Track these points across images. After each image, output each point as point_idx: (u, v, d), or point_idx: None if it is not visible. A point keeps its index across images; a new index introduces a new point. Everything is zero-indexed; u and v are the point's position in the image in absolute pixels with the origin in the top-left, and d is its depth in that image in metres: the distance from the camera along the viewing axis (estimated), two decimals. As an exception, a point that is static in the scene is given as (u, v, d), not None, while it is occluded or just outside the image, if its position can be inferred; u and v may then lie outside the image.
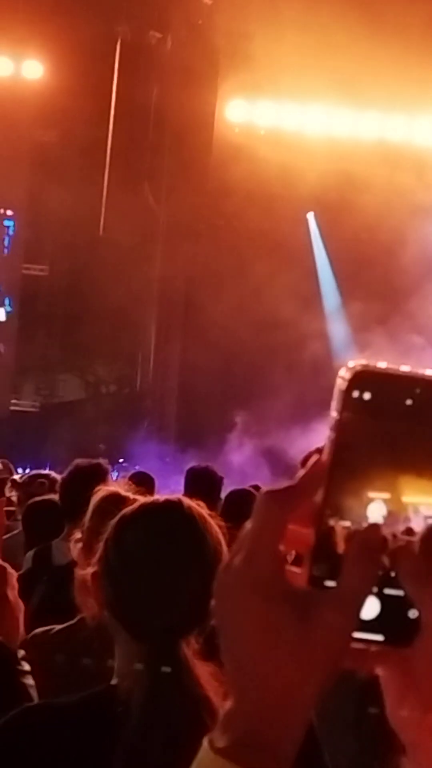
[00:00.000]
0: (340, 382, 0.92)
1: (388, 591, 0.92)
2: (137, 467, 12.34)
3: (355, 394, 0.92)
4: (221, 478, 6.76)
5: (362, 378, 0.93)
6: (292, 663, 0.88)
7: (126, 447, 17.25)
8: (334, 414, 0.92)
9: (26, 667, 2.62)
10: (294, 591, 0.89)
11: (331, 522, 0.91)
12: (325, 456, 0.92)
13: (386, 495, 0.92)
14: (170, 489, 7.12)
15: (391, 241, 16.45)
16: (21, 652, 2.67)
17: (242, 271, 16.95)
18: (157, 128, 18.63)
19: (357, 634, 0.90)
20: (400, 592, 0.91)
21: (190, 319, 18.31)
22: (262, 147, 17.13)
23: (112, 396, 20.67)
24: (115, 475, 13.09)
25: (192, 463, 7.68)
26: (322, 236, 18.61)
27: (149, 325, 20.03)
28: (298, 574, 0.90)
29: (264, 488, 0.95)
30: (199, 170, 18.01)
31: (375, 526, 0.90)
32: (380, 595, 0.92)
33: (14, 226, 19.85)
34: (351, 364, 0.93)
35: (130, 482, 3.51)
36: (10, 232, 19.85)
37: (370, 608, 0.91)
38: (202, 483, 6.26)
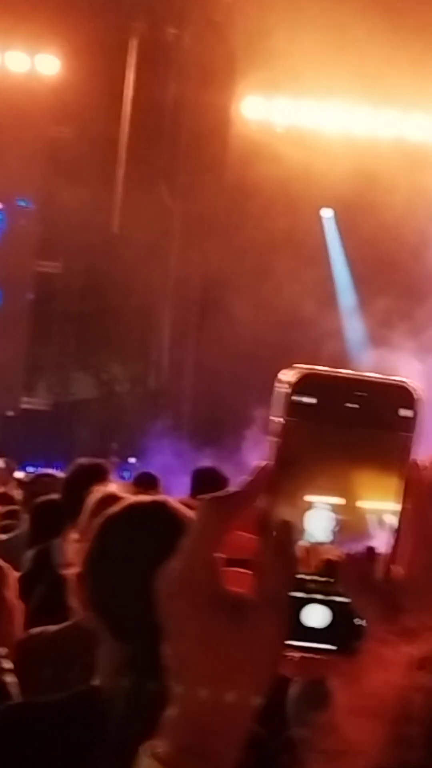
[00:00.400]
0: (283, 387, 0.93)
1: (337, 599, 0.92)
2: (149, 466, 12.24)
3: (299, 398, 0.93)
4: (226, 479, 6.72)
5: (306, 382, 0.93)
6: (227, 668, 0.89)
7: (139, 445, 17.18)
8: (277, 419, 0.93)
9: (7, 665, 2.63)
10: (230, 597, 0.89)
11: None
12: (269, 461, 0.92)
13: (332, 500, 0.93)
14: (183, 488, 7.12)
15: (411, 240, 16.34)
16: (3, 650, 2.68)
17: (259, 270, 16.89)
18: (173, 125, 18.56)
19: (307, 644, 0.92)
20: (347, 600, 0.92)
21: (206, 317, 18.23)
22: (279, 145, 17.04)
23: (126, 395, 20.59)
24: (126, 475, 13.06)
25: (207, 462, 7.69)
26: (340, 235, 18.52)
27: (164, 324, 19.97)
28: (245, 575, 0.91)
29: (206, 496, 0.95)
30: (216, 168, 17.92)
31: (286, 524, 0.91)
32: (330, 603, 0.92)
33: (4, 218, 19.83)
34: (293, 368, 0.94)
35: (133, 483, 3.52)
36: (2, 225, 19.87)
37: (322, 617, 0.92)
38: (208, 483, 6.27)
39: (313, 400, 0.93)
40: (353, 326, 18.19)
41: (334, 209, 18.04)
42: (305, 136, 17.70)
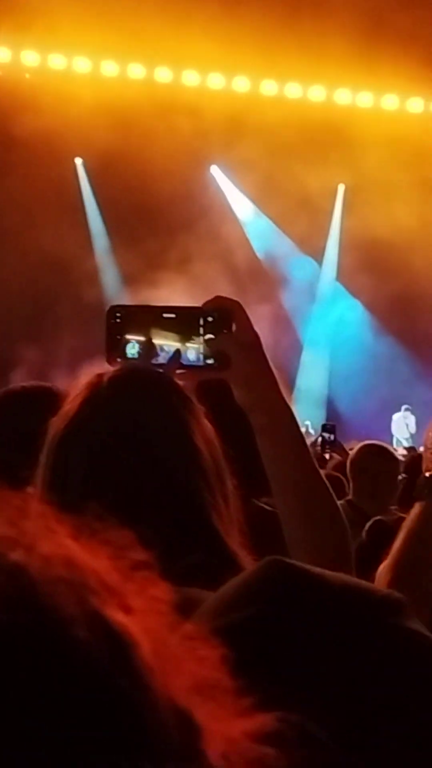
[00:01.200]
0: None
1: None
2: None
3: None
4: None
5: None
6: None
7: None
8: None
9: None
10: None
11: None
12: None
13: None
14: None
15: (163, 186, 16.86)
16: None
17: (21, 219, 16.96)
18: None
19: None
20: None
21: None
22: (32, 94, 17.04)
23: None
24: None
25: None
26: (95, 182, 18.77)
27: None
28: None
29: None
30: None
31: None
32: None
33: None
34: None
35: None
36: None
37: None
38: None
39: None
40: (109, 270, 18.61)
41: (88, 157, 18.24)
42: (54, 82, 17.73)
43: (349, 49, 16.06)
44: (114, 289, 18.11)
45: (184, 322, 1.87)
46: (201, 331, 1.86)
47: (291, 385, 18.53)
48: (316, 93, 18.23)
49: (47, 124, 16.12)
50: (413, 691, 0.87)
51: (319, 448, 6.61)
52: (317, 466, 1.90)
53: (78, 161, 18.75)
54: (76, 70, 17.74)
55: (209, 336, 1.85)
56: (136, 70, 17.84)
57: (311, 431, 12.95)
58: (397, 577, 1.96)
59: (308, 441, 6.63)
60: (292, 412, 1.83)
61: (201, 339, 1.86)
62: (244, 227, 19.27)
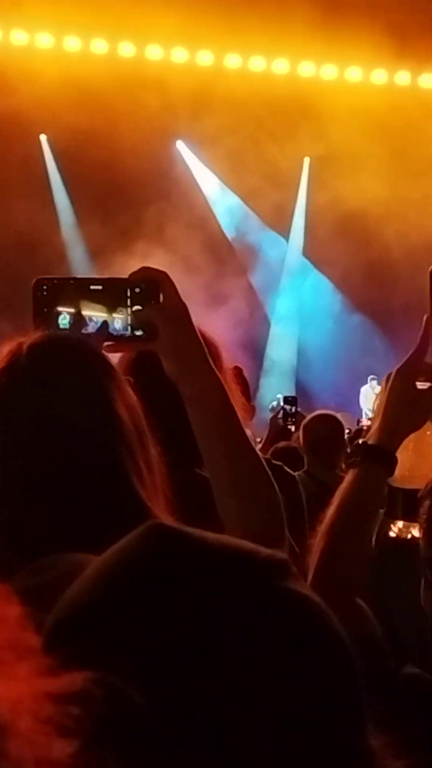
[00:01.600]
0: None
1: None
2: None
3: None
4: None
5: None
6: None
7: None
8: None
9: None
10: None
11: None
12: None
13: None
14: None
15: (129, 161, 16.80)
16: None
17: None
18: None
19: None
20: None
21: None
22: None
23: None
24: None
25: None
26: (57, 159, 18.68)
27: None
28: None
29: None
30: None
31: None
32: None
33: None
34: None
35: None
36: None
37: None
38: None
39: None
40: (77, 247, 18.54)
41: (53, 133, 18.13)
42: (19, 60, 17.60)
43: (312, 21, 16.01)
44: (81, 265, 18.06)
45: (112, 294, 1.87)
46: (128, 302, 1.86)
47: (261, 358, 18.57)
48: (280, 66, 18.17)
49: (10, 101, 16.03)
50: (287, 657, 0.83)
51: (281, 420, 6.62)
52: (247, 436, 1.90)
53: (43, 138, 18.63)
54: (39, 47, 17.60)
55: (137, 307, 1.86)
56: (100, 45, 17.72)
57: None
58: (330, 543, 1.97)
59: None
60: (221, 381, 1.84)
61: (128, 310, 1.86)
62: (211, 204, 19.21)
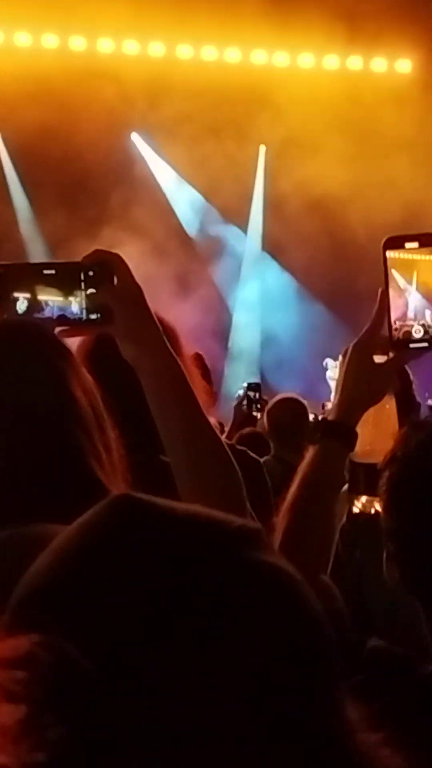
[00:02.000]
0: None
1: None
2: None
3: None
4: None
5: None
6: None
7: None
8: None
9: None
10: None
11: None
12: None
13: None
14: None
15: (86, 155, 16.74)
16: None
17: None
18: None
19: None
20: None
21: None
22: None
23: None
24: None
25: None
26: (12, 155, 18.54)
27: None
28: None
29: None
30: None
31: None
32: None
33: None
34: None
35: None
36: None
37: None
38: None
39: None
40: (36, 242, 18.44)
41: (6, 130, 17.99)
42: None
43: (262, 9, 15.98)
44: (43, 258, 17.93)
45: (66, 278, 1.87)
46: (83, 285, 1.86)
47: (225, 347, 18.59)
48: (232, 54, 18.13)
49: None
50: (259, 626, 0.82)
51: (245, 407, 6.63)
52: (206, 417, 1.90)
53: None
54: (-12, 44, 17.48)
55: (91, 290, 1.86)
56: (50, 40, 17.61)
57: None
58: (293, 521, 1.98)
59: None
60: (178, 363, 1.84)
61: (83, 294, 1.86)
62: (168, 197, 19.12)
